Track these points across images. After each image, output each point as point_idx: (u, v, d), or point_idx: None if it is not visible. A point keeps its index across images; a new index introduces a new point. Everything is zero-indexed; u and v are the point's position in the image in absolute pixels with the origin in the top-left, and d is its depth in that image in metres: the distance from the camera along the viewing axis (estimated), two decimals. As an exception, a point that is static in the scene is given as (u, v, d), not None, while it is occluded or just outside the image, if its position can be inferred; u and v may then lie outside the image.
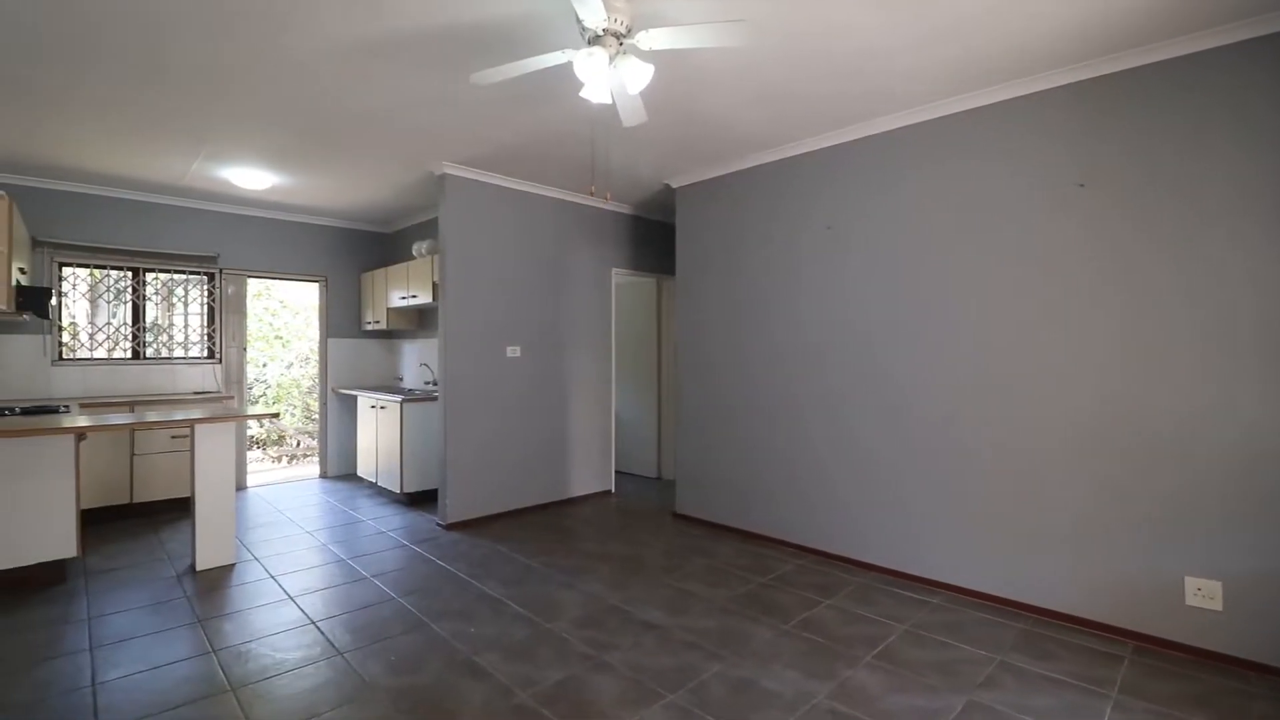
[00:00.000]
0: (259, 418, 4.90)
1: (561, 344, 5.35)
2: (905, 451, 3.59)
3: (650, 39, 2.33)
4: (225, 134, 3.90)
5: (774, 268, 4.27)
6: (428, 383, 6.00)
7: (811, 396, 4.04)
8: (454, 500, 4.64)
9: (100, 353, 5.27)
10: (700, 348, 4.78)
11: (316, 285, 6.53)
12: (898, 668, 2.61)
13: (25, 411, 3.93)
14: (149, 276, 5.46)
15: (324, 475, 6.52)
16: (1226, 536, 2.64)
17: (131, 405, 4.90)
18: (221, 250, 5.71)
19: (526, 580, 3.59)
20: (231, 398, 5.64)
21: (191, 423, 3.64)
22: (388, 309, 6.04)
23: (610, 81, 2.53)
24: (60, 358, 5.05)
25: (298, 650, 2.76)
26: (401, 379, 6.69)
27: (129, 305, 5.40)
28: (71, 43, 2.74)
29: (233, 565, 3.82)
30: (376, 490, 5.84)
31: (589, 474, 5.56)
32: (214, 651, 2.74)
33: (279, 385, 8.53)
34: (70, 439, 3.51)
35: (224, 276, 5.79)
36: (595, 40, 2.36)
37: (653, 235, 6.13)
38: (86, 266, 5.18)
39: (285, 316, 8.71)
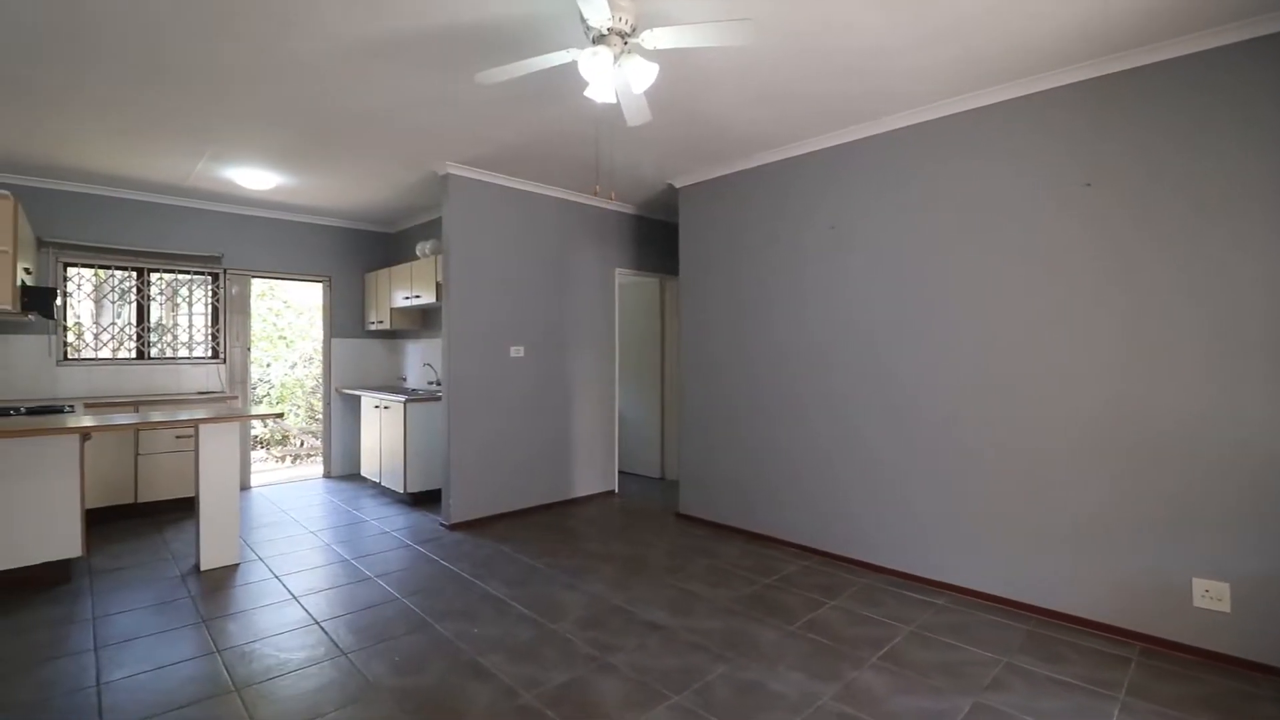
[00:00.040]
0: (263, 418, 4.91)
1: (565, 344, 5.34)
2: (910, 451, 3.58)
3: (655, 38, 2.32)
4: (229, 134, 3.90)
5: (778, 267, 4.26)
6: (431, 383, 6.00)
7: (815, 396, 4.03)
8: (457, 500, 4.64)
9: (105, 353, 5.28)
10: (704, 347, 4.77)
11: (320, 285, 6.53)
12: (903, 669, 2.60)
13: (30, 411, 3.94)
14: (154, 276, 5.47)
15: (328, 475, 6.53)
16: (1234, 538, 2.62)
17: (136, 405, 4.91)
18: (226, 250, 5.72)
19: (530, 581, 3.59)
20: (236, 398, 5.65)
21: (196, 423, 3.64)
22: (391, 309, 6.04)
23: (615, 81, 2.52)
24: (65, 358, 5.06)
25: (302, 650, 2.76)
26: (405, 379, 6.69)
27: (134, 305, 5.41)
28: (73, 42, 2.74)
29: (237, 565, 3.82)
30: (380, 490, 5.84)
31: (592, 474, 5.56)
32: (218, 652, 2.74)
33: (283, 385, 8.54)
34: (75, 439, 3.52)
35: (228, 276, 5.80)
36: (600, 39, 2.36)
37: (655, 235, 6.12)
38: (91, 267, 5.19)
39: (289, 316, 8.72)
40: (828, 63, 2.95)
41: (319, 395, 7.43)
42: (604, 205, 5.59)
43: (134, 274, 5.38)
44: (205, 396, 5.43)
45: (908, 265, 3.60)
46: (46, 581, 3.45)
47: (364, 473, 6.10)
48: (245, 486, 5.90)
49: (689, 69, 2.99)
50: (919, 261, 3.56)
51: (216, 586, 3.51)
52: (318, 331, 7.10)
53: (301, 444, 8.32)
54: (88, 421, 3.44)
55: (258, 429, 7.78)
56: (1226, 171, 2.65)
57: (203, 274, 5.68)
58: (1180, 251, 2.76)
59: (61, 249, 4.97)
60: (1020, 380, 3.18)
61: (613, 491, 5.71)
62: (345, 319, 6.60)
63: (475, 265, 4.74)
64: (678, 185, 4.96)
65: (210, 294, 5.75)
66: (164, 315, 5.59)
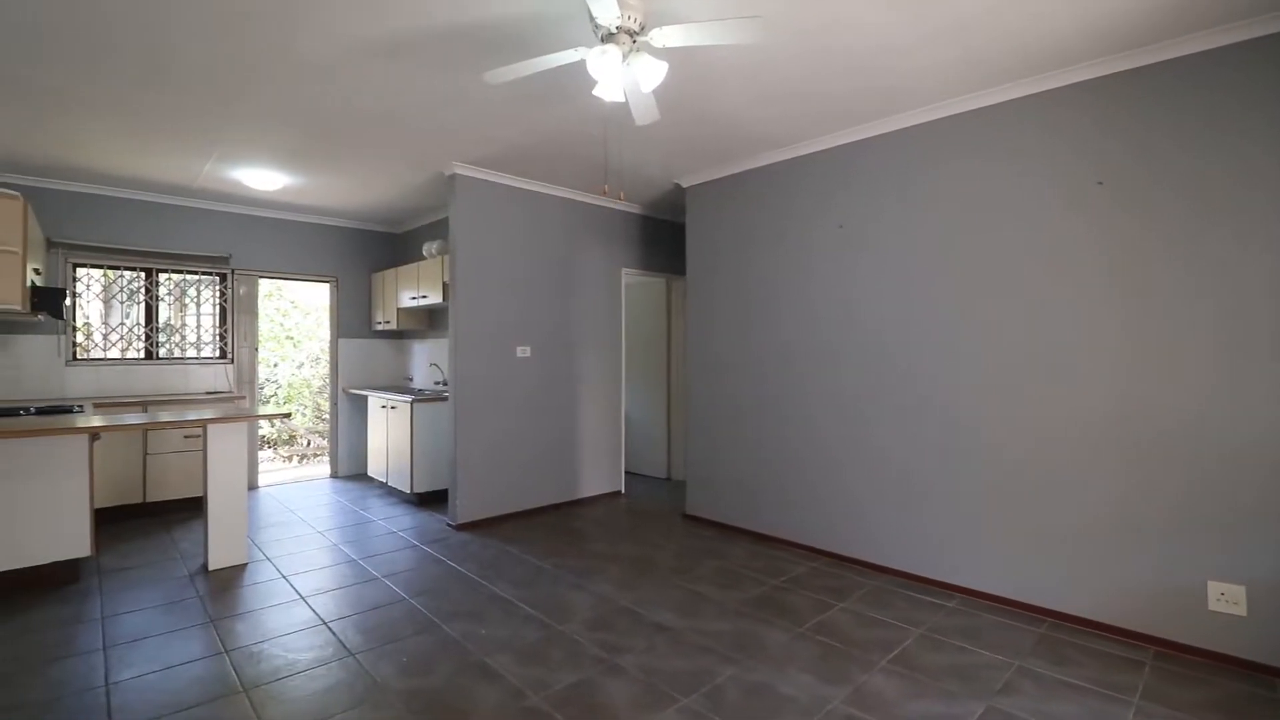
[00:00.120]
0: (271, 418, 4.93)
1: (571, 344, 5.33)
2: (919, 452, 3.55)
3: (664, 36, 2.30)
4: (237, 135, 3.91)
5: (785, 267, 4.24)
6: (438, 383, 6.00)
7: (824, 396, 4.01)
8: (464, 500, 4.64)
9: (114, 353, 5.30)
10: (710, 347, 4.76)
11: (327, 285, 6.55)
12: (914, 673, 2.58)
13: (40, 411, 3.96)
14: (162, 277, 5.49)
15: (334, 475, 6.54)
16: (1250, 540, 2.59)
17: (144, 405, 4.93)
18: (233, 251, 5.74)
19: (537, 581, 3.58)
20: (243, 398, 5.66)
21: (204, 423, 3.65)
22: (398, 309, 6.05)
23: (623, 80, 2.51)
24: (74, 358, 5.08)
25: (309, 651, 2.76)
26: (411, 379, 6.69)
27: (142, 305, 5.43)
28: (78, 42, 2.74)
29: (245, 565, 3.83)
30: (387, 490, 5.85)
31: (599, 474, 5.55)
32: (226, 652, 2.74)
33: (290, 385, 8.57)
34: (84, 439, 3.53)
35: (236, 277, 5.81)
36: (608, 38, 2.34)
37: (662, 235, 6.10)
38: (100, 267, 5.22)
39: (296, 317, 8.75)
40: (835, 61, 2.94)
41: (326, 395, 7.44)
42: (610, 205, 5.57)
43: (142, 274, 5.40)
44: (213, 396, 5.44)
45: (916, 264, 3.58)
46: (56, 581, 3.46)
47: (371, 473, 6.11)
48: (253, 486, 5.91)
49: (697, 67, 2.97)
50: (927, 260, 3.53)
51: (224, 586, 3.51)
52: (324, 332, 7.11)
53: (308, 444, 8.34)
54: (97, 421, 3.45)
55: (265, 429, 7.81)
56: (1232, 170, 2.63)
57: (211, 274, 5.70)
58: (1187, 249, 2.73)
59: (71, 249, 4.99)
60: (1029, 380, 3.15)
61: (619, 492, 5.70)
62: (352, 319, 6.61)
63: (482, 265, 4.74)
64: (684, 185, 4.95)
65: (218, 294, 5.77)
66: (172, 315, 5.61)
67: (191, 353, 5.64)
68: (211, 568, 3.73)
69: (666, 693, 2.42)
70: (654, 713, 2.29)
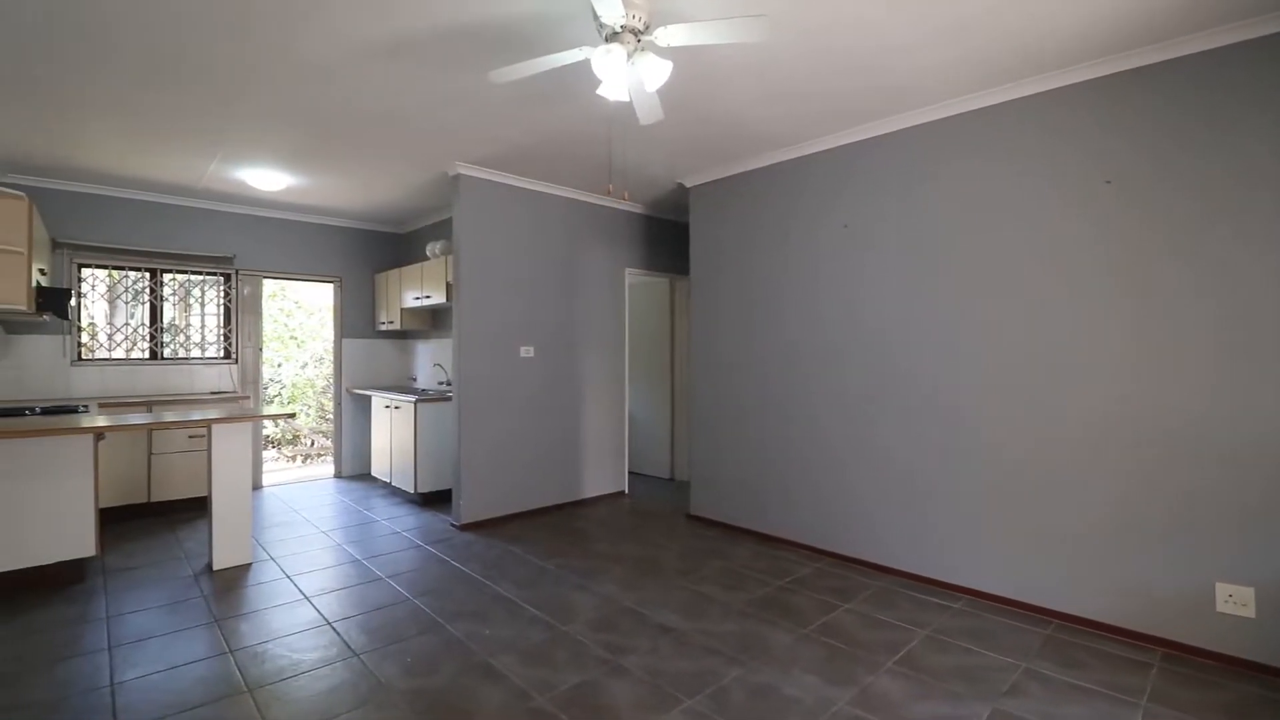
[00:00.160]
0: (275, 418, 4.93)
1: (575, 344, 5.33)
2: (925, 452, 3.54)
3: (669, 35, 2.30)
4: (241, 135, 3.91)
5: (790, 267, 4.23)
6: (441, 383, 6.00)
7: (828, 396, 3.99)
8: (468, 501, 4.63)
9: (119, 353, 5.31)
10: (714, 347, 4.75)
11: (331, 286, 6.55)
12: (920, 674, 2.56)
13: (45, 411, 3.97)
14: (166, 277, 5.50)
15: (338, 475, 6.55)
16: (1258, 541, 2.57)
17: (149, 405, 4.94)
18: (238, 251, 5.75)
19: (541, 582, 3.57)
20: (247, 398, 5.67)
21: (208, 423, 3.65)
22: (401, 309, 6.05)
23: (628, 79, 2.50)
24: (79, 358, 5.09)
25: (314, 651, 2.76)
26: (415, 379, 6.70)
27: (147, 306, 5.45)
28: (81, 42, 2.74)
29: (249, 565, 3.83)
30: (391, 490, 5.85)
31: (602, 475, 5.54)
32: (231, 652, 2.74)
33: (293, 385, 8.58)
34: (89, 439, 3.53)
35: (240, 277, 5.82)
36: (613, 37, 2.34)
37: (665, 235, 6.10)
38: (105, 267, 5.23)
39: (300, 317, 8.76)
40: (838, 60, 2.93)
41: (330, 395, 7.45)
42: (614, 205, 5.57)
43: (147, 274, 5.41)
44: (217, 396, 5.45)
45: (922, 264, 3.56)
46: (61, 580, 3.47)
47: (374, 472, 6.11)
48: (257, 486, 5.92)
49: (701, 66, 2.97)
50: (933, 260, 3.52)
51: (229, 586, 3.51)
52: (328, 332, 7.12)
53: (312, 444, 8.35)
54: (102, 421, 3.46)
55: (269, 429, 7.82)
56: (1235, 170, 2.62)
57: (215, 274, 5.71)
58: (1191, 248, 2.73)
59: (76, 250, 5.01)
60: (1033, 379, 3.14)
61: (622, 492, 5.69)
62: (356, 319, 6.61)
63: (486, 265, 4.74)
64: (688, 185, 4.94)
65: (222, 294, 5.78)
66: (177, 316, 5.62)
67: (196, 353, 5.65)
68: (216, 568, 3.73)
69: (671, 694, 2.41)
70: (659, 714, 2.28)
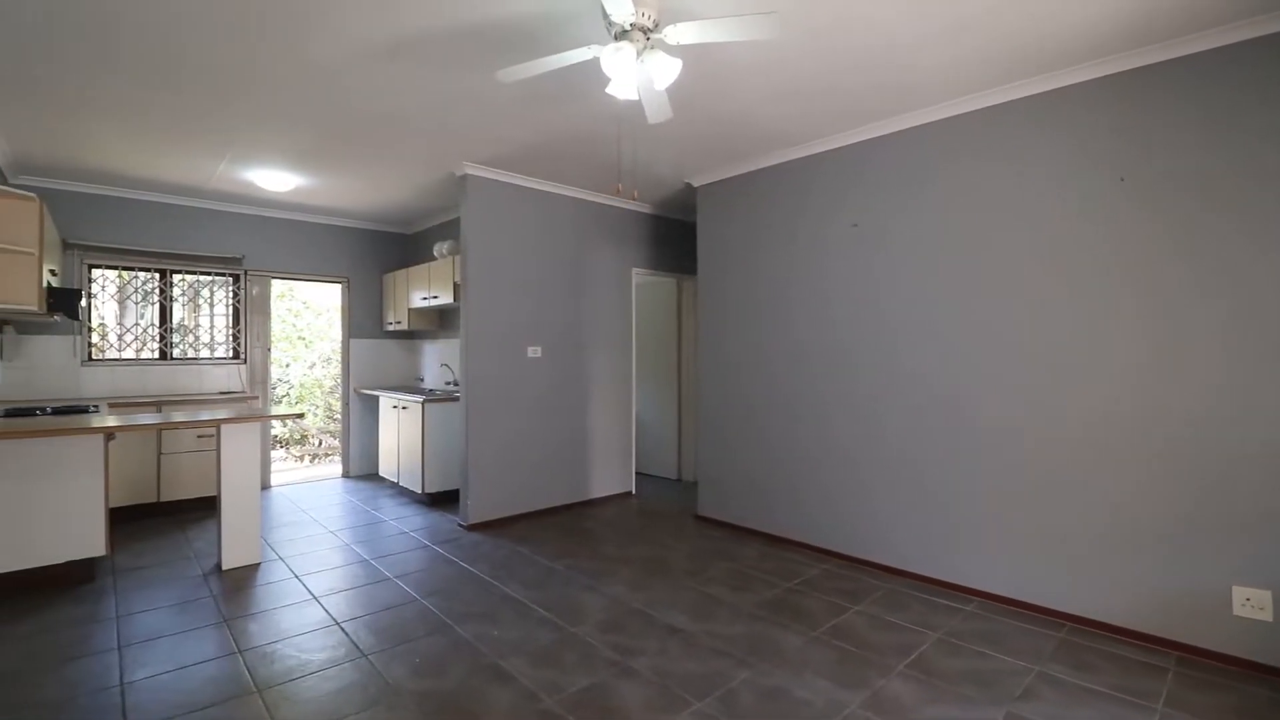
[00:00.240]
0: (284, 418, 4.94)
1: (582, 344, 5.32)
2: (933, 452, 3.51)
3: (678, 33, 2.28)
4: (249, 136, 3.92)
5: (799, 266, 4.21)
6: (448, 383, 6.00)
7: (837, 395, 3.97)
8: (475, 501, 4.63)
9: (128, 353, 5.34)
10: (722, 347, 4.73)
11: (339, 286, 6.57)
12: (932, 678, 2.54)
13: (56, 411, 3.99)
14: (176, 278, 5.53)
15: (346, 475, 6.56)
16: (1276, 544, 2.53)
17: (159, 405, 4.96)
18: (246, 252, 5.77)
19: (549, 582, 3.56)
20: (256, 398, 5.69)
21: (217, 423, 3.66)
22: (409, 309, 6.06)
23: (637, 77, 2.49)
24: (90, 358, 5.12)
25: (322, 651, 2.75)
26: (422, 379, 6.71)
27: (156, 306, 5.47)
28: (90, 43, 2.74)
29: (258, 565, 3.84)
30: (398, 490, 5.85)
31: (609, 475, 5.53)
32: (240, 652, 2.74)
33: (302, 385, 8.61)
34: (99, 439, 3.55)
35: (249, 278, 5.84)
36: (622, 35, 2.32)
37: (672, 234, 6.08)
38: (115, 268, 5.26)
39: (308, 317, 8.79)
40: (847, 58, 2.90)
41: (337, 395, 7.47)
42: (621, 205, 5.56)
43: (156, 275, 5.44)
44: (226, 396, 5.47)
45: (931, 263, 3.54)
46: (71, 580, 3.48)
47: (382, 472, 6.12)
48: (265, 486, 5.93)
49: (710, 65, 2.95)
50: (942, 260, 3.49)
51: (238, 586, 3.52)
52: (336, 332, 7.14)
53: (320, 443, 8.37)
54: (112, 421, 3.47)
55: (277, 429, 7.85)
56: (1242, 168, 2.61)
57: (224, 275, 5.73)
58: (1192, 246, 2.71)
59: (86, 251, 5.03)
60: (1044, 379, 3.11)
61: (630, 493, 5.68)
62: (363, 319, 6.63)
63: (493, 265, 4.73)
64: (696, 184, 4.92)
65: (231, 295, 5.80)
66: (186, 316, 5.64)
67: (205, 353, 5.68)
68: (225, 567, 3.74)
69: (680, 696, 2.40)
70: (668, 716, 2.26)
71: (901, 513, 3.65)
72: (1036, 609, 3.12)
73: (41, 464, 3.36)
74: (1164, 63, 2.77)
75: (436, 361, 6.37)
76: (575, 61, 2.48)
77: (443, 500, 5.36)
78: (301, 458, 8.07)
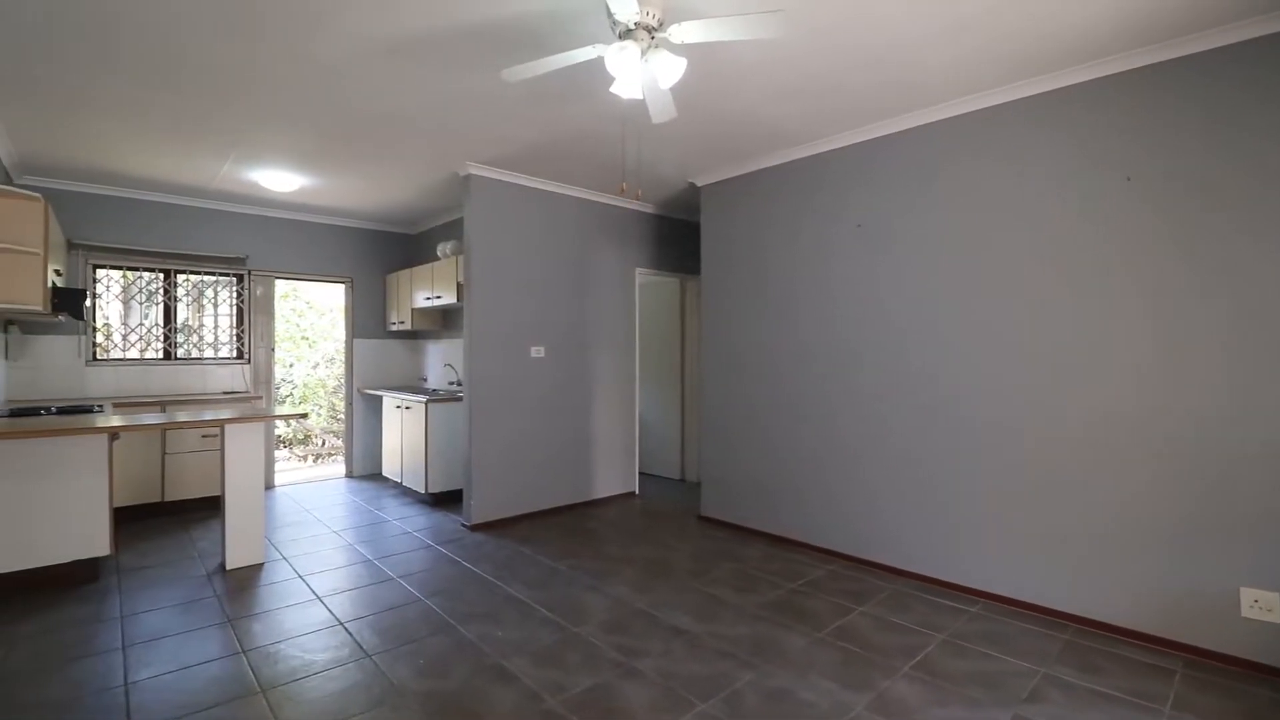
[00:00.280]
0: (288, 418, 4.94)
1: (585, 344, 5.31)
2: (941, 453, 3.49)
3: (683, 32, 2.27)
4: (253, 136, 3.93)
5: (803, 265, 4.20)
6: (452, 383, 6.00)
7: (842, 395, 3.95)
8: (479, 501, 4.63)
9: (133, 353, 5.35)
10: (726, 347, 4.72)
11: (342, 286, 6.58)
12: (937, 679, 2.52)
13: (61, 411, 3.99)
14: (180, 278, 5.54)
15: (350, 475, 6.57)
16: (1286, 546, 2.52)
17: (163, 405, 4.97)
18: (250, 252, 5.77)
19: (552, 583, 3.56)
20: (260, 398, 5.70)
21: (221, 423, 3.66)
22: (412, 309, 6.06)
23: (641, 76, 2.48)
24: (94, 358, 5.13)
25: (326, 652, 2.75)
26: (425, 379, 6.71)
27: (160, 306, 5.48)
28: (92, 43, 2.74)
29: (262, 564, 3.84)
30: (402, 490, 5.86)
31: (613, 475, 5.52)
32: (244, 652, 2.74)
33: (305, 385, 8.62)
34: (104, 438, 3.55)
35: (252, 278, 5.85)
36: (627, 34, 2.32)
37: (676, 235, 6.07)
38: (119, 268, 5.27)
39: (311, 317, 8.80)
40: (851, 56, 2.89)
41: (341, 395, 7.48)
42: (625, 205, 5.55)
43: (161, 275, 5.45)
44: (230, 396, 5.48)
45: (936, 263, 3.52)
46: (75, 580, 3.48)
47: (385, 472, 6.12)
48: (269, 486, 5.94)
49: (714, 64, 2.94)
50: (947, 259, 3.48)
51: (242, 586, 3.52)
52: (340, 332, 7.15)
53: (323, 443, 8.38)
54: (116, 421, 3.47)
55: (281, 429, 7.86)
56: (1246, 167, 2.60)
57: (228, 275, 5.74)
58: (1197, 245, 2.70)
59: (91, 251, 5.04)
60: (1051, 379, 3.09)
61: (633, 493, 5.67)
62: (367, 319, 6.63)
63: (496, 265, 4.73)
64: (699, 184, 4.91)
65: (235, 295, 5.81)
66: (190, 316, 5.65)
67: (209, 353, 5.68)
68: (229, 567, 3.74)
69: (685, 697, 2.39)
70: (672, 717, 2.26)
71: (906, 513, 3.64)
72: (1042, 610, 3.11)
73: (46, 464, 3.37)
74: (1166, 62, 2.77)
75: (440, 361, 6.37)
76: (579, 61, 2.48)
77: (446, 500, 5.36)
78: (305, 458, 8.08)
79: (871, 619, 3.08)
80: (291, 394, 8.46)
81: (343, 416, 7.03)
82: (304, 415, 5.17)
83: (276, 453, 6.66)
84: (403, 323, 6.28)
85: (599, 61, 2.54)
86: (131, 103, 3.40)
